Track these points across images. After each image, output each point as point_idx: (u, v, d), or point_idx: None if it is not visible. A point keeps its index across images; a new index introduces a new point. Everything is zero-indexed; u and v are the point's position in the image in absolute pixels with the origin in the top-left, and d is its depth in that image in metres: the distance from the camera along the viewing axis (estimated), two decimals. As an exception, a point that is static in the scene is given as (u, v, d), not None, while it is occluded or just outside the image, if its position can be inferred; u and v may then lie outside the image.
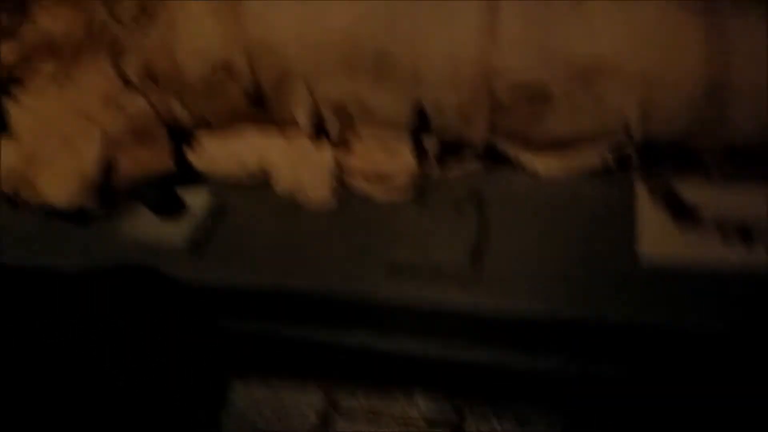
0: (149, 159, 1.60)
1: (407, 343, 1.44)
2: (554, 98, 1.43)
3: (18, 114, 1.60)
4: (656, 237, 1.36)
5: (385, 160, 1.57)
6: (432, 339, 1.42)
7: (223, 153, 1.64)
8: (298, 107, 1.58)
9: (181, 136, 1.67)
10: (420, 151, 1.58)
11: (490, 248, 1.41)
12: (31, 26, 1.66)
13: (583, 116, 1.45)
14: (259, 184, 1.61)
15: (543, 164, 1.53)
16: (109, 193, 1.56)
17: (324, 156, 1.59)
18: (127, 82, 1.61)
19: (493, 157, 1.58)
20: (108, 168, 1.55)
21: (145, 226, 1.54)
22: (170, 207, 1.55)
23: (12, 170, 1.56)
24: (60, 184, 1.52)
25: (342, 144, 1.61)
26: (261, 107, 1.61)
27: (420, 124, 1.56)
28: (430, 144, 1.57)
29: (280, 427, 1.54)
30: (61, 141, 1.56)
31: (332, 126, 1.61)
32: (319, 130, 1.61)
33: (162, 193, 1.56)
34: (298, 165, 1.59)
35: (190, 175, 1.64)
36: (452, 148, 1.58)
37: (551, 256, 1.37)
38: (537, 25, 1.41)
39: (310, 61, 1.52)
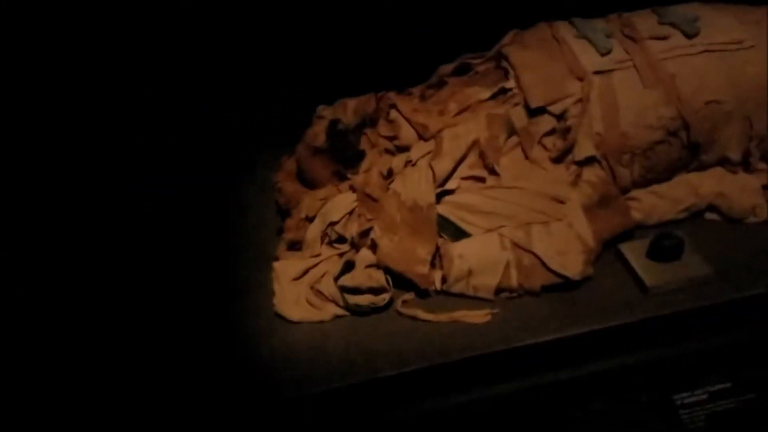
0: (612, 219, 1.74)
1: None
2: None
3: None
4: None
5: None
6: None
7: (659, 201, 1.80)
8: (731, 145, 1.79)
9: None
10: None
11: None
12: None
13: None
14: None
15: None
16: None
17: (751, 179, 1.81)
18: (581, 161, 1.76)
19: None
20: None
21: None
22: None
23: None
24: (569, 258, 1.65)
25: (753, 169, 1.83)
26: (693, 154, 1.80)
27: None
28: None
29: None
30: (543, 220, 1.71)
31: (754, 156, 1.81)
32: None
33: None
34: (732, 191, 1.78)
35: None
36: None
37: None
38: None
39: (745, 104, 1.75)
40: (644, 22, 1.89)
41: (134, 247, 2.00)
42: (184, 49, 2.13)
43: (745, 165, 1.83)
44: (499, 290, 1.67)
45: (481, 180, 1.80)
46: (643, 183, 1.82)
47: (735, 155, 1.80)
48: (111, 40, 2.08)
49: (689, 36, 1.81)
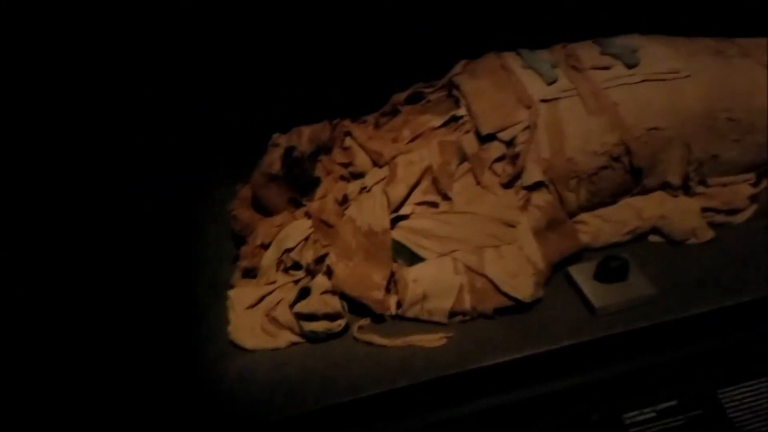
0: (561, 242, 1.78)
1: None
2: None
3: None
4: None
5: (732, 196, 1.88)
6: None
7: (605, 224, 1.85)
8: (671, 170, 1.86)
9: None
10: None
11: None
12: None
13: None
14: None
15: None
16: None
17: (691, 202, 1.87)
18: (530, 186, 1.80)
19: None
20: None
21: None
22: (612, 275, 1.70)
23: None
24: (520, 281, 1.68)
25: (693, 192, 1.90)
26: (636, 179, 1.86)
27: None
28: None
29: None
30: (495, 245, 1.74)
31: (694, 180, 1.89)
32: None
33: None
34: (674, 214, 1.84)
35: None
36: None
37: None
38: None
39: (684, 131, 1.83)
40: (587, 52, 1.96)
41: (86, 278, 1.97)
42: (182, 50, 2.14)
43: (686, 189, 1.90)
44: (453, 314, 1.69)
45: (435, 205, 1.82)
46: (590, 207, 1.87)
47: (675, 179, 1.87)
48: (111, 40, 2.07)
49: (630, 66, 1.88)
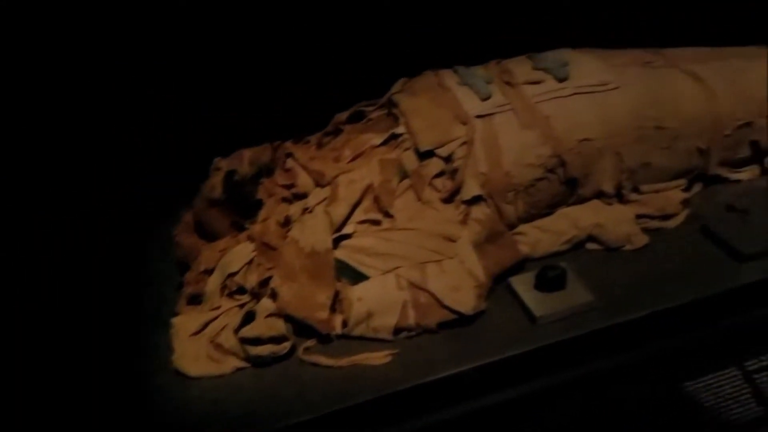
0: (501, 254, 1.81)
1: None
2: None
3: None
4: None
5: (664, 202, 1.95)
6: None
7: (543, 234, 1.89)
8: (604, 179, 1.92)
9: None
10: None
11: None
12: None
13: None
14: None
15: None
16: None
17: (625, 210, 1.93)
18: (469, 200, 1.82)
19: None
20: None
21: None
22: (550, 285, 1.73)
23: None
24: (463, 294, 1.70)
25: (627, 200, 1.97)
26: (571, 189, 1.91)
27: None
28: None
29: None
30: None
31: (627, 188, 1.96)
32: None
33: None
34: (609, 222, 1.88)
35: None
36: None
37: None
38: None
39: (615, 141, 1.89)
40: (520, 68, 2.01)
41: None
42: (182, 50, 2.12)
43: (619, 197, 1.95)
44: (398, 330, 1.69)
45: (377, 223, 1.84)
46: (528, 218, 1.91)
47: (609, 188, 1.92)
48: (111, 39, 2.06)
49: (560, 80, 1.94)
